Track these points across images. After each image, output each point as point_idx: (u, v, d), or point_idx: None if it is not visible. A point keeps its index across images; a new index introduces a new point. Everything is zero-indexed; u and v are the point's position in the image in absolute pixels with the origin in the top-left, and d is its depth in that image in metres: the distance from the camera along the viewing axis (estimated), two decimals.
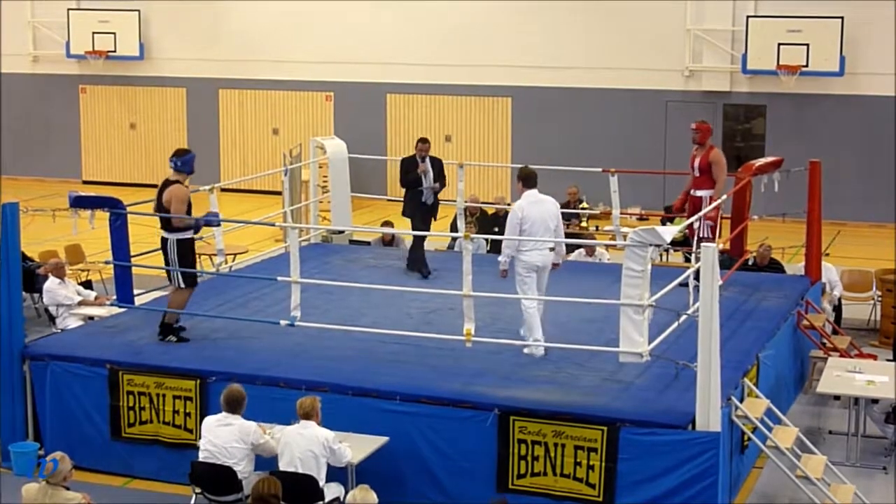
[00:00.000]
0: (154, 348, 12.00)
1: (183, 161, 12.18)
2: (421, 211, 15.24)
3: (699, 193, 14.25)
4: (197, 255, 13.16)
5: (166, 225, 12.17)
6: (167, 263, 12.27)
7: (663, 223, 16.52)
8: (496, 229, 17.06)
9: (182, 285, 12.27)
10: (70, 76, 29.62)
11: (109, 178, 29.12)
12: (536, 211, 11.87)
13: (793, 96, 24.34)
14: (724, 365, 10.20)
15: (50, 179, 29.01)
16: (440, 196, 15.38)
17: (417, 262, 15.25)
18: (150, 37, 28.70)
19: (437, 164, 15.30)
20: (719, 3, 24.78)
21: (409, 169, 15.20)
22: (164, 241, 12.25)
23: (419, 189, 15.12)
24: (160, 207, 12.16)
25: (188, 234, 12.23)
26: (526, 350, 11.70)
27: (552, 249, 11.95)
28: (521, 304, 11.86)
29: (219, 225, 12.91)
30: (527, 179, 12.11)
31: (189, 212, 12.22)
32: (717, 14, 24.84)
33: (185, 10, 28.36)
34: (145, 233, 15.23)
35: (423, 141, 15.32)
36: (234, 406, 10.07)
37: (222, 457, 9.93)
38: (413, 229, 15.20)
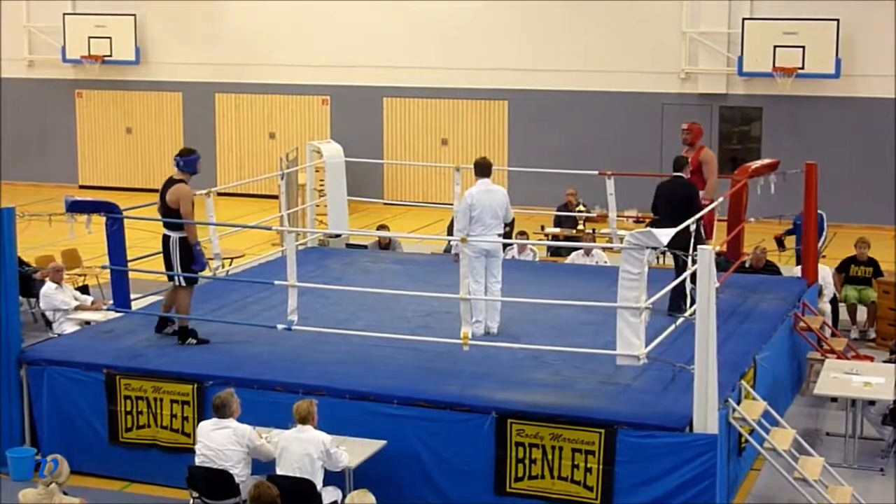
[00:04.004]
0: (151, 353, 11.97)
1: (186, 161, 12.28)
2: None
3: None
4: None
5: (169, 223, 12.19)
6: (168, 262, 12.27)
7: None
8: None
9: (183, 284, 12.28)
10: (66, 81, 29.60)
11: (106, 183, 29.12)
12: (486, 198, 12.45)
13: (789, 98, 24.35)
14: (721, 367, 10.19)
15: (46, 184, 28.98)
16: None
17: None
18: (146, 41, 28.69)
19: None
20: (715, 5, 24.79)
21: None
22: (165, 239, 12.24)
23: None
24: (164, 206, 12.17)
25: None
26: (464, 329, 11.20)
27: (501, 235, 12.55)
28: (468, 288, 11.37)
29: (202, 269, 12.56)
30: (478, 168, 12.69)
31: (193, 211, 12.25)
32: (712, 16, 24.84)
33: (181, 14, 28.35)
34: (142, 237, 15.24)
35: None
36: (220, 411, 10.05)
37: (219, 460, 9.92)
38: (681, 264, 12.86)
